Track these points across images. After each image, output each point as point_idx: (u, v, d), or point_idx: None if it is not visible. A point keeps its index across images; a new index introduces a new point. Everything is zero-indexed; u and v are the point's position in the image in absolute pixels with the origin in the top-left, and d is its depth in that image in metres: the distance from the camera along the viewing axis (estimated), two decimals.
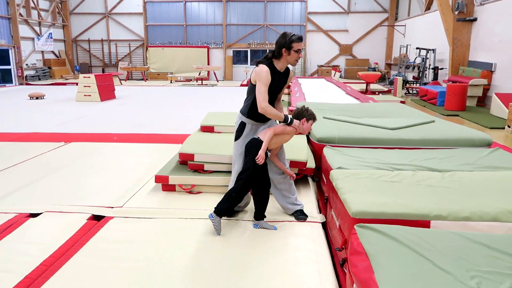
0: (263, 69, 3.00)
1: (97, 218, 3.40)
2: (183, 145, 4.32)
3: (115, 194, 3.91)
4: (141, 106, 10.84)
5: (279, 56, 3.03)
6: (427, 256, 1.87)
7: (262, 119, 3.15)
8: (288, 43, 2.97)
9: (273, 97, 3.14)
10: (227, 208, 3.07)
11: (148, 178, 4.38)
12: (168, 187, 4.00)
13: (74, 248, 2.82)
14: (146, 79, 20.04)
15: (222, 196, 3.16)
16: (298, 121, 3.10)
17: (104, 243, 2.91)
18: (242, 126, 3.20)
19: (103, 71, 20.99)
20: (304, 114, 3.13)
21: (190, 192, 3.97)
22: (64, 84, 17.31)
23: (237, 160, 3.23)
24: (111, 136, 6.64)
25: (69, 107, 10.57)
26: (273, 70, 3.05)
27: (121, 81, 18.37)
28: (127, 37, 21.27)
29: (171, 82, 18.62)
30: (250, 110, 3.13)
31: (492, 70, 10.99)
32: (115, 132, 7.00)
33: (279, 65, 3.08)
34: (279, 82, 3.10)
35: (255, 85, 3.03)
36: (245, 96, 3.23)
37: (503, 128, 7.97)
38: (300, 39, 3.00)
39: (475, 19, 11.93)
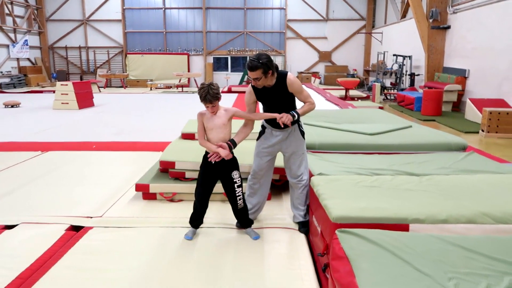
0: (247, 89, 3.17)
1: (76, 229, 3.33)
2: (163, 153, 4.29)
3: (94, 204, 3.84)
4: (120, 113, 10.70)
5: None
6: (406, 259, 1.91)
7: (277, 125, 3.13)
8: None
9: (273, 105, 3.10)
10: (192, 216, 3.16)
11: (128, 186, 4.32)
12: (148, 196, 3.96)
13: (52, 260, 2.76)
14: (126, 87, 19.79)
15: None
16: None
17: (83, 254, 2.85)
18: (262, 128, 3.28)
19: (81, 79, 20.64)
20: (200, 96, 2.90)
21: (171, 200, 3.94)
22: (41, 92, 16.93)
23: (254, 159, 3.31)
24: (90, 144, 6.52)
25: (46, 115, 10.34)
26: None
27: (100, 88, 18.09)
28: (105, 44, 21.01)
29: (151, 89, 18.45)
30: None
31: (466, 76, 11.33)
32: (94, 141, 6.88)
33: None
34: (268, 94, 3.07)
35: None
36: None
37: (478, 132, 8.21)
38: (249, 67, 2.88)
39: (449, 27, 12.30)
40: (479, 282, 1.73)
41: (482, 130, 8.00)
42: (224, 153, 2.92)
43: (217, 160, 2.93)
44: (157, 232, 3.22)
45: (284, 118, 2.95)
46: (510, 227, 2.33)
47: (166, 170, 4.10)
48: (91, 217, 3.52)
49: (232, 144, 2.98)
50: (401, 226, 2.33)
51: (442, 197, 2.66)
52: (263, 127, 3.28)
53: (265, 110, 3.19)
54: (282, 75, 3.03)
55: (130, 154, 5.89)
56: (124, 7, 20.60)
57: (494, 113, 7.82)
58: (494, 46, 10.07)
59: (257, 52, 3.05)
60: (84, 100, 11.79)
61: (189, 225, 3.18)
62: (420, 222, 2.33)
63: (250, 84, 3.16)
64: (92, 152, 6.03)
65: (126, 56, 20.83)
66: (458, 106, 11.51)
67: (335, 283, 1.95)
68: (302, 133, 3.23)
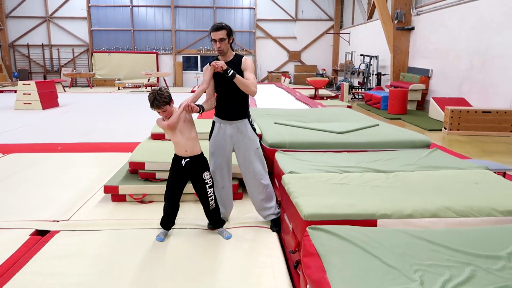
0: (204, 67, 3.16)
1: (42, 233, 3.22)
2: (133, 154, 4.21)
3: (61, 207, 3.73)
4: (87, 114, 10.41)
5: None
6: (375, 254, 1.96)
7: (227, 117, 3.15)
8: (209, 35, 3.02)
9: (226, 87, 3.07)
10: (163, 218, 3.12)
11: (97, 189, 4.22)
12: (118, 198, 3.88)
13: (16, 266, 2.65)
14: (92, 86, 19.26)
15: None
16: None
17: (50, 259, 2.76)
18: (212, 124, 3.26)
19: (44, 78, 19.89)
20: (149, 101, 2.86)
21: (142, 202, 3.87)
22: (1, 91, 16.21)
23: (209, 160, 3.23)
24: (55, 146, 6.31)
25: (7, 116, 9.92)
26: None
27: (65, 88, 17.52)
28: (70, 42, 20.35)
29: (119, 88, 18.04)
30: (215, 108, 3.21)
31: (429, 76, 11.76)
32: (59, 142, 6.66)
33: (220, 57, 3.14)
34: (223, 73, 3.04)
35: None
36: None
37: (440, 130, 8.54)
38: (213, 28, 2.97)
39: (413, 28, 12.72)
40: (442, 273, 1.80)
41: (445, 128, 8.33)
42: (195, 108, 2.87)
43: (193, 111, 2.87)
44: (127, 235, 3.16)
45: (218, 62, 2.90)
46: (471, 220, 2.44)
47: (136, 171, 4.03)
48: (58, 221, 3.41)
49: (200, 108, 2.95)
50: (370, 222, 2.39)
51: (407, 193, 2.75)
52: (213, 123, 3.26)
53: (218, 94, 3.16)
54: (239, 56, 3.13)
55: (98, 156, 5.74)
56: (89, 4, 20.03)
57: (456, 112, 8.16)
58: (455, 47, 10.51)
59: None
60: (48, 100, 11.39)
61: (160, 227, 3.15)
62: (387, 218, 2.41)
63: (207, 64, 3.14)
64: (58, 154, 5.83)
65: (92, 54, 20.27)
66: (422, 104, 11.93)
67: (306, 279, 1.99)
68: (254, 130, 3.24)
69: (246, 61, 3.11)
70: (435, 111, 9.88)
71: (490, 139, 7.72)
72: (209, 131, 3.28)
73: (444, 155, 3.91)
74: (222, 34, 2.98)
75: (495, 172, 3.51)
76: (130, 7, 20.22)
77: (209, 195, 3.04)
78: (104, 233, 3.19)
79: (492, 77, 9.07)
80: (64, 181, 4.53)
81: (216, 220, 3.16)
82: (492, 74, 9.08)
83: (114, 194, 3.87)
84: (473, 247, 2.04)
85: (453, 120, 8.16)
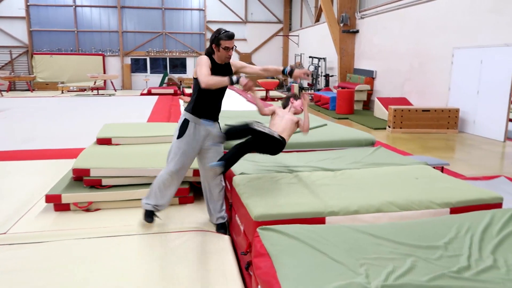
0: (202, 57, 3.01)
1: None
2: (77, 160, 4.02)
3: None
4: (27, 119, 9.80)
5: (212, 51, 3.02)
6: (323, 250, 2.01)
7: (206, 115, 3.07)
8: (217, 40, 2.95)
9: (218, 92, 3.05)
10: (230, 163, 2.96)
11: (38, 198, 3.97)
12: (61, 207, 3.68)
13: None
14: (33, 90, 18.19)
15: (122, 210, 3.03)
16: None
17: None
18: (185, 123, 3.07)
19: None
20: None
21: (88, 210, 3.71)
22: None
23: (174, 158, 3.09)
24: None
25: None
26: (212, 61, 3.01)
27: (2, 92, 16.41)
28: (7, 43, 19.07)
29: (62, 92, 17.17)
30: (195, 105, 3.07)
31: (374, 76, 12.29)
32: None
33: (217, 58, 3.04)
34: (219, 74, 2.97)
35: (197, 79, 2.94)
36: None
37: (385, 128, 8.94)
38: (228, 36, 2.95)
39: (357, 31, 13.24)
40: (386, 266, 1.88)
41: (389, 126, 8.73)
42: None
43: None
44: (72, 246, 3.00)
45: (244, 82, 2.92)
46: (412, 213, 2.58)
47: (80, 178, 3.85)
48: None
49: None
50: (318, 220, 2.45)
51: (354, 190, 2.85)
52: (185, 121, 3.07)
53: (210, 97, 3.06)
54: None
55: (39, 163, 5.41)
56: (28, 3, 18.90)
57: (398, 111, 8.58)
58: (396, 49, 11.06)
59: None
60: None
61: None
62: (335, 214, 2.48)
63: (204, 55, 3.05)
64: None
65: (32, 56, 19.14)
66: (368, 104, 12.44)
67: (257, 280, 2.00)
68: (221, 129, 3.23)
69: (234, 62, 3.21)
70: (379, 111, 10.34)
71: (429, 136, 8.20)
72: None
73: (387, 153, 4.09)
74: (234, 42, 3.02)
75: (433, 167, 3.73)
76: (73, 6, 19.33)
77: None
78: (47, 246, 3.00)
79: (430, 77, 9.64)
80: (1, 192, 4.22)
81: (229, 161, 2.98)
82: (429, 75, 9.66)
83: (56, 203, 3.66)
84: (414, 239, 2.15)
85: (396, 119, 8.57)
